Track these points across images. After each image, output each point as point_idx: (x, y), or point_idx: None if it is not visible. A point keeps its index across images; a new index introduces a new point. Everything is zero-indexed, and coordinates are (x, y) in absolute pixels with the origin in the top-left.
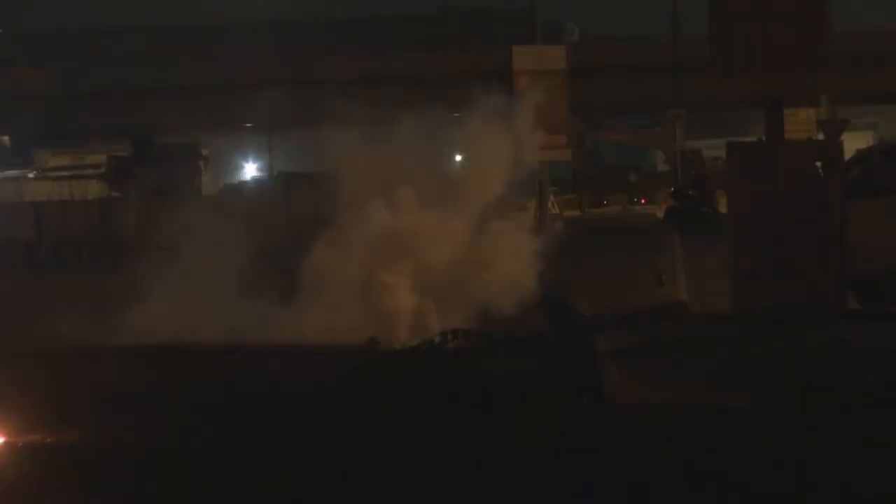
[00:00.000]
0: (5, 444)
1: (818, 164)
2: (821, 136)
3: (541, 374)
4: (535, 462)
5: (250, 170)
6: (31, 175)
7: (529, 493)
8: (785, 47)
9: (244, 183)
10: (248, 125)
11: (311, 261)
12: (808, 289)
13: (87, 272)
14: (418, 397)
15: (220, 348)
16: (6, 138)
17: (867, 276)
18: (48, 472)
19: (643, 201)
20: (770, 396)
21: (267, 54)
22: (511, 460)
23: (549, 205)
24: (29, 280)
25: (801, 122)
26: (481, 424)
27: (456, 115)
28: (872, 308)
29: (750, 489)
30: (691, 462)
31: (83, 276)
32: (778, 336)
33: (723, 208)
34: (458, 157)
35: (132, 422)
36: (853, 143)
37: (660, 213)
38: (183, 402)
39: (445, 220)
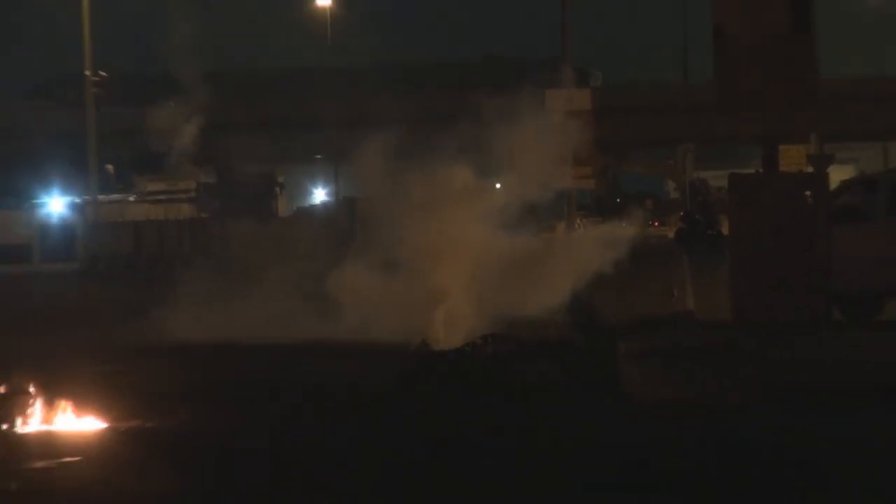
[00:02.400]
0: (109, 428)
1: (807, 193)
2: (810, 169)
3: (565, 375)
4: (549, 453)
5: (319, 195)
6: (131, 198)
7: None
8: (780, 91)
9: (314, 206)
10: (318, 156)
11: (366, 274)
12: (798, 302)
13: (179, 282)
14: (464, 395)
15: (289, 346)
16: (110, 167)
17: (848, 293)
18: (146, 454)
19: (656, 224)
20: (771, 396)
21: (336, 95)
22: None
23: (576, 225)
24: (129, 289)
25: (793, 157)
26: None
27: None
28: (853, 320)
29: (757, 484)
30: (703, 459)
31: (175, 285)
32: (774, 342)
33: (725, 231)
34: (498, 184)
35: (217, 410)
36: (837, 174)
37: (671, 235)
38: (262, 393)
39: (487, 237)
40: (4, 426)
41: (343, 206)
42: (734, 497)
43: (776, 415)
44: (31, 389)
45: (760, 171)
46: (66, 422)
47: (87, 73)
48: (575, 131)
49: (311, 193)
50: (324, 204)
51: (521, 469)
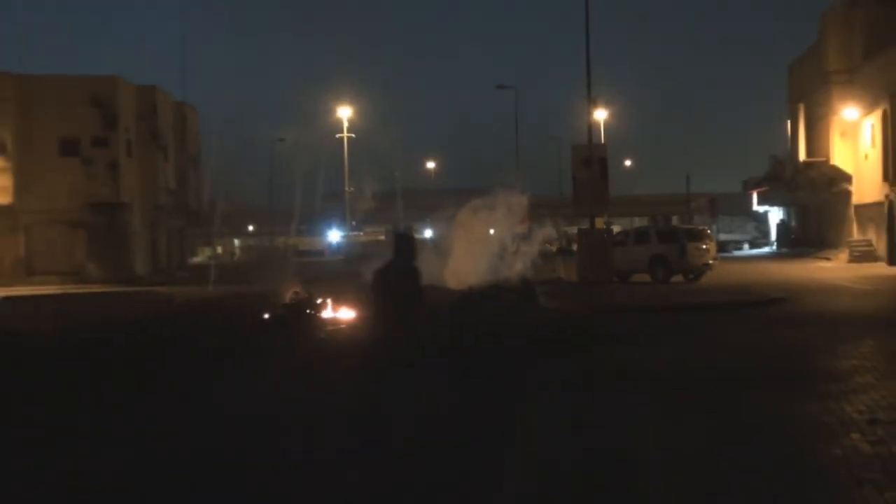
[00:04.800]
0: (358, 316)
1: (605, 235)
2: (606, 226)
3: (518, 299)
4: (519, 324)
5: (427, 233)
6: (360, 234)
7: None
8: (595, 199)
9: (426, 238)
10: (427, 220)
11: (436, 260)
12: (601, 274)
13: (371, 265)
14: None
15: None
16: (353, 222)
17: (618, 272)
18: (369, 325)
19: (549, 245)
20: (593, 308)
21: (433, 197)
22: (512, 324)
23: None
24: (357, 268)
25: (599, 222)
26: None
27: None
28: (621, 281)
29: (587, 336)
30: (565, 327)
31: (369, 266)
32: (594, 288)
33: (575, 248)
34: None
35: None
36: (616, 229)
37: (554, 250)
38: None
39: (487, 247)
40: (318, 313)
41: (436, 238)
42: (576, 346)
43: (595, 317)
44: (328, 300)
45: (588, 227)
46: (341, 313)
47: (346, 189)
48: (522, 212)
49: (424, 234)
50: (429, 237)
51: (504, 328)
